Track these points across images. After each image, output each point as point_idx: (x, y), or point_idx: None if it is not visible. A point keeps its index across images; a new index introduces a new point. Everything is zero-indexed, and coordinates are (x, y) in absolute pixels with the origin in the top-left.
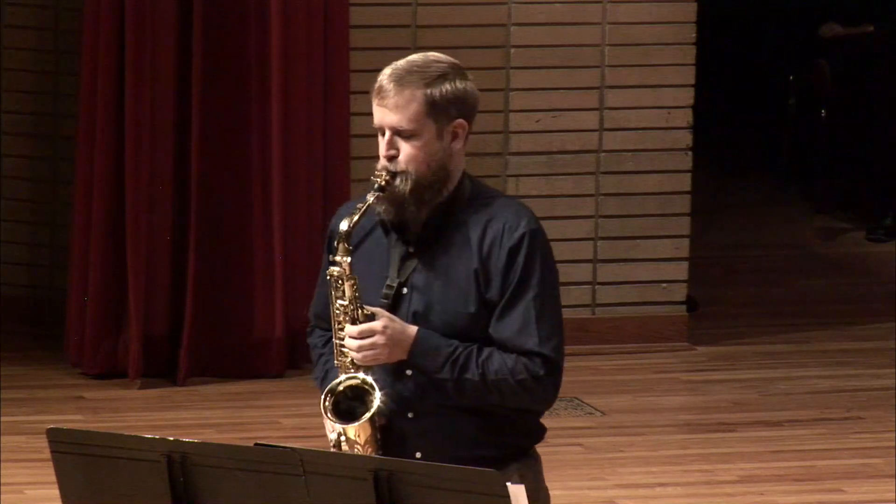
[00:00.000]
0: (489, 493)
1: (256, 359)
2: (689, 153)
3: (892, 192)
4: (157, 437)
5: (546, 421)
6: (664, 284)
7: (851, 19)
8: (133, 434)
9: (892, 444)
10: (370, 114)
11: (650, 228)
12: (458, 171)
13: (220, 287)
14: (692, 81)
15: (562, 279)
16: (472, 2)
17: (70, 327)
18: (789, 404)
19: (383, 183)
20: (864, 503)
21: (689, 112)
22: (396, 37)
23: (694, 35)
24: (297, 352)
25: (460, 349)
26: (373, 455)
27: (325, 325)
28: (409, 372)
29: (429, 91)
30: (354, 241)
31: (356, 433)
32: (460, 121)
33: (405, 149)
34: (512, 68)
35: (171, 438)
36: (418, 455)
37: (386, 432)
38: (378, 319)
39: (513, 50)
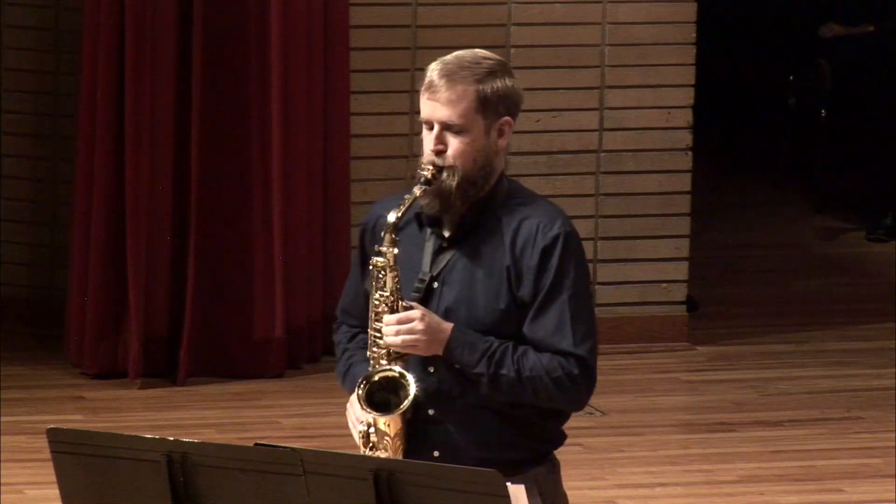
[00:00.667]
0: (489, 493)
1: (256, 359)
2: (689, 153)
3: (892, 192)
4: (157, 437)
5: None
6: (664, 284)
7: (851, 19)
8: (133, 434)
9: (892, 444)
10: (370, 114)
11: (650, 228)
12: (499, 168)
13: (220, 287)
14: (692, 81)
15: None
16: (472, 2)
17: (70, 327)
18: (789, 404)
19: (430, 176)
20: (864, 503)
21: (689, 112)
22: (396, 37)
23: (694, 35)
24: (297, 352)
25: (496, 345)
26: (400, 448)
27: (352, 320)
28: (431, 368)
29: (480, 87)
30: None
31: (387, 425)
32: (507, 118)
33: (453, 144)
34: (512, 68)
35: (171, 438)
36: (436, 454)
37: (407, 428)
38: (416, 309)
39: (513, 50)
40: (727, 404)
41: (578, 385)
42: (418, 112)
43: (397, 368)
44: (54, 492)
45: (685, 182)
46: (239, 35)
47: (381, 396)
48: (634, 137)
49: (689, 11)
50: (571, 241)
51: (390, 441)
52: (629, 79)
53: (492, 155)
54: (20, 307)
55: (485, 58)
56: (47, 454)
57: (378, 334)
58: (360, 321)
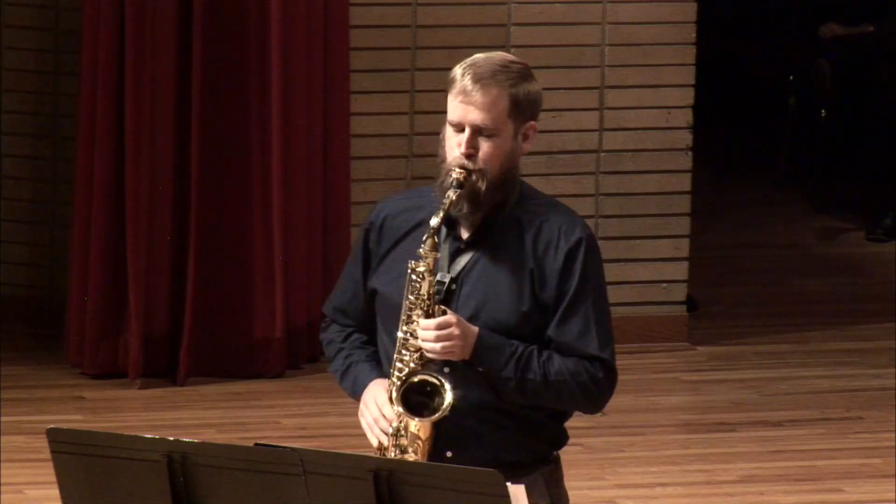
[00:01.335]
0: (489, 493)
1: (256, 359)
2: (689, 153)
3: (892, 192)
4: (157, 437)
5: None
6: (664, 284)
7: (851, 19)
8: (133, 434)
9: (892, 444)
10: (370, 114)
11: (650, 228)
12: (519, 170)
13: (220, 287)
14: (692, 81)
15: None
16: (472, 2)
17: (70, 327)
18: (789, 404)
19: (462, 179)
20: (864, 503)
21: (689, 112)
22: (396, 37)
23: (694, 35)
24: (297, 352)
25: (521, 348)
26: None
27: (345, 319)
28: (446, 369)
29: (514, 91)
30: (397, 237)
31: (418, 428)
32: (532, 122)
33: (484, 147)
34: None
35: (171, 438)
36: (449, 454)
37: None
38: (450, 314)
39: (513, 50)
40: (727, 404)
41: (602, 389)
42: (418, 112)
43: (437, 376)
44: (54, 492)
45: (685, 182)
46: (239, 35)
47: (417, 399)
48: (634, 137)
49: (689, 11)
50: (592, 244)
51: (421, 444)
52: (629, 79)
53: (516, 158)
54: (20, 307)
55: (512, 62)
56: (47, 454)
57: (409, 337)
58: (355, 320)
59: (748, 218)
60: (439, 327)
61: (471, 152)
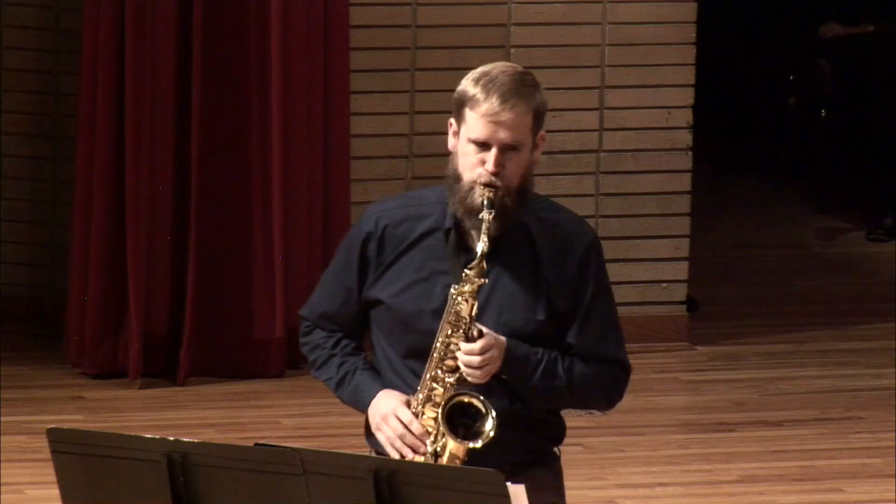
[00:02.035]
0: (489, 493)
1: (256, 359)
2: (689, 153)
3: (892, 192)
4: (157, 437)
5: None
6: (664, 284)
7: (851, 19)
8: (133, 434)
9: (892, 444)
10: (370, 114)
11: (650, 228)
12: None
13: (220, 287)
14: (692, 81)
15: None
16: (472, 2)
17: (70, 327)
18: (789, 404)
19: (494, 198)
20: (864, 503)
21: (689, 112)
22: (396, 37)
23: (694, 35)
24: (298, 352)
25: (546, 356)
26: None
27: (331, 325)
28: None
29: (534, 105)
30: (400, 248)
31: (458, 450)
32: (542, 132)
33: (510, 163)
34: None
35: (171, 438)
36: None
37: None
38: (486, 335)
39: (513, 50)
40: (727, 404)
41: (621, 389)
42: (418, 112)
43: (480, 397)
44: (54, 492)
45: (685, 182)
46: (239, 35)
47: (460, 421)
48: (634, 137)
49: (689, 11)
50: (599, 246)
51: (459, 463)
52: (629, 79)
53: (532, 170)
54: (20, 307)
55: (523, 73)
56: (47, 454)
57: (446, 358)
58: (343, 327)
59: (748, 218)
60: (483, 351)
61: (499, 170)
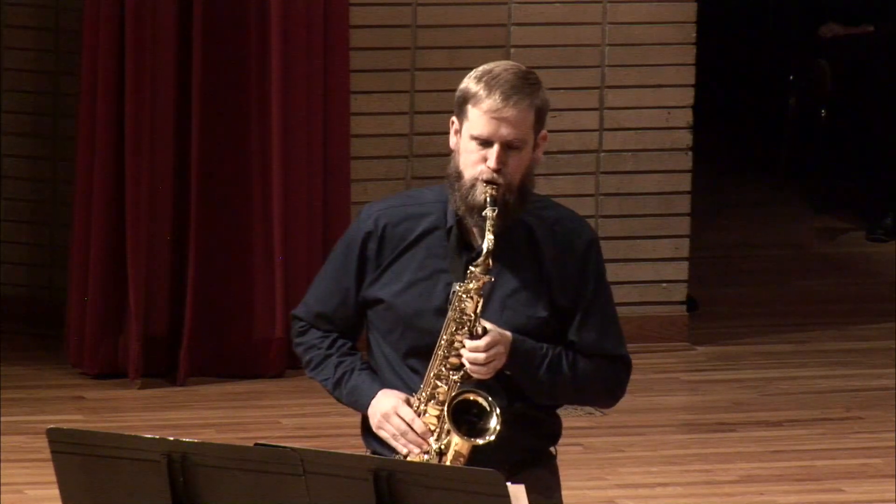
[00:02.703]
0: (489, 493)
1: (256, 359)
2: (689, 153)
3: (893, 192)
4: (157, 437)
5: None
6: (664, 284)
7: (851, 19)
8: (133, 434)
9: (892, 444)
10: (370, 114)
11: (650, 228)
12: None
13: (220, 287)
14: (692, 81)
15: None
16: (472, 2)
17: (70, 327)
18: (789, 404)
19: (497, 195)
20: (864, 503)
21: (689, 112)
22: (396, 37)
23: (694, 35)
24: None
25: (551, 351)
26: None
27: (326, 325)
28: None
29: (537, 103)
30: (400, 247)
31: (462, 447)
32: (544, 131)
33: (511, 161)
34: None
35: (171, 438)
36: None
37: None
38: (490, 331)
39: (513, 50)
40: (727, 404)
41: (623, 385)
42: (418, 112)
43: (489, 398)
44: (54, 492)
45: (685, 182)
46: (239, 35)
47: (464, 418)
48: (634, 137)
49: (689, 11)
50: (599, 244)
51: (462, 462)
52: (629, 79)
53: (533, 168)
54: (20, 307)
55: (527, 72)
56: (47, 454)
57: (450, 356)
58: (339, 327)
59: (748, 218)
60: (489, 348)
61: (501, 167)
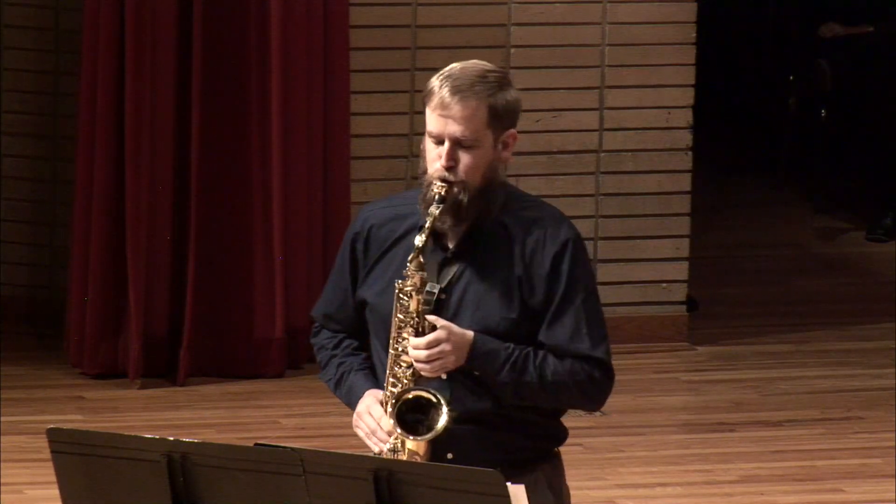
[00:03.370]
0: (489, 493)
1: (256, 359)
2: (689, 153)
3: (893, 192)
4: (157, 437)
5: None
6: (664, 284)
7: (851, 19)
8: (133, 434)
9: (892, 444)
10: (370, 114)
11: (650, 228)
12: (503, 178)
13: (220, 287)
14: (692, 81)
15: None
16: (472, 2)
17: (70, 327)
18: (789, 404)
19: (444, 193)
20: (864, 503)
21: (689, 112)
22: (396, 37)
23: (694, 35)
24: (297, 352)
25: (517, 351)
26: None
27: (335, 326)
28: (443, 375)
29: (492, 101)
30: (384, 248)
31: (416, 446)
32: (512, 131)
33: (465, 159)
34: (512, 68)
35: (171, 438)
36: (450, 456)
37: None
38: (439, 328)
39: (513, 50)
40: (727, 404)
41: (601, 387)
42: (418, 112)
43: (434, 391)
44: (54, 492)
45: (685, 182)
46: (239, 35)
47: (413, 417)
48: (634, 137)
49: (689, 11)
50: (579, 244)
51: (419, 458)
52: (629, 79)
53: (497, 167)
54: (20, 307)
55: (490, 70)
56: (47, 454)
57: (402, 354)
58: (345, 327)
59: (748, 218)
60: (429, 346)
61: (451, 165)
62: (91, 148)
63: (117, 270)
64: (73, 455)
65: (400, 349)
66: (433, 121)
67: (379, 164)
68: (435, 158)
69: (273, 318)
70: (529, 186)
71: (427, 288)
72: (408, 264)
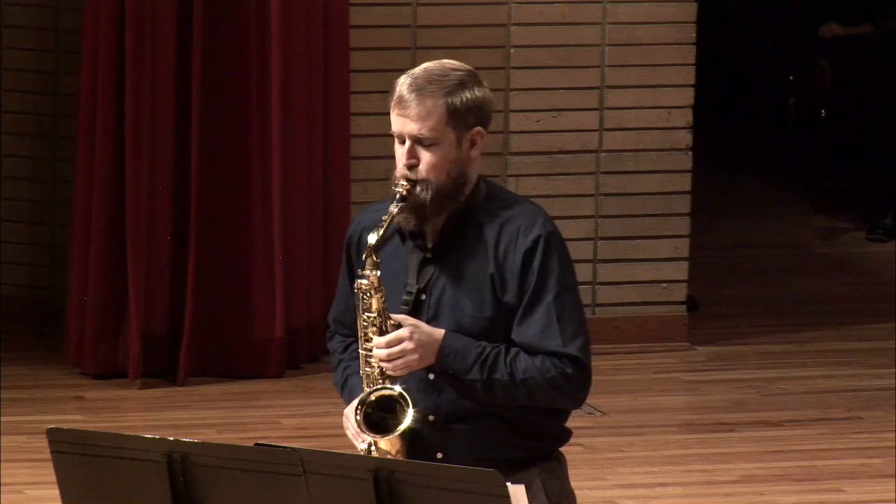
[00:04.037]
0: (489, 493)
1: (256, 359)
2: (689, 153)
3: (893, 192)
4: (157, 437)
5: None
6: (664, 284)
7: (851, 19)
8: (133, 434)
9: (892, 444)
10: (370, 114)
11: (650, 228)
12: (474, 177)
13: (220, 287)
14: (692, 81)
15: None
16: (472, 2)
17: (70, 327)
18: (789, 404)
19: (405, 192)
20: (864, 503)
21: (689, 112)
22: (396, 37)
23: (694, 35)
24: (297, 352)
25: (488, 349)
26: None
27: (344, 329)
28: (430, 376)
29: (449, 100)
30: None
31: (388, 445)
32: (478, 128)
33: (425, 157)
34: (512, 68)
35: (171, 438)
36: (439, 456)
37: (407, 436)
38: (404, 327)
39: (513, 50)
40: (727, 404)
41: (574, 383)
42: None
43: (396, 388)
44: (54, 492)
45: (685, 182)
46: (239, 35)
47: (379, 416)
48: (634, 137)
49: (689, 11)
50: (552, 240)
51: (392, 457)
52: (629, 79)
53: (465, 166)
54: (20, 307)
55: (453, 69)
56: (47, 454)
57: (370, 354)
58: (352, 331)
59: (748, 218)
60: (389, 344)
61: (412, 163)
62: (91, 148)
63: (117, 270)
64: (73, 455)
65: (368, 348)
66: (393, 119)
67: (379, 164)
68: (399, 158)
69: (273, 318)
70: (529, 186)
71: (407, 288)
72: (363, 261)
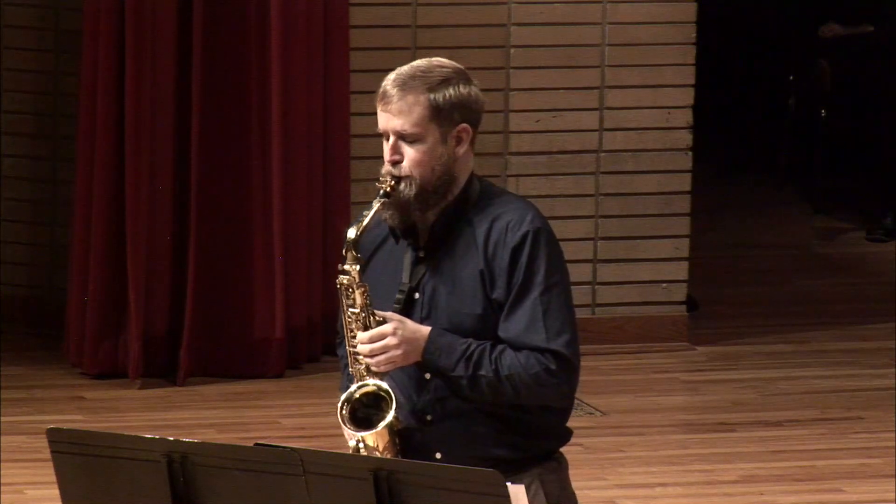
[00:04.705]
0: (489, 493)
1: (256, 359)
2: (689, 153)
3: (892, 192)
4: (157, 437)
5: None
6: (664, 284)
7: (851, 19)
8: (133, 434)
9: (892, 444)
10: (370, 114)
11: (650, 228)
12: (464, 174)
13: (220, 287)
14: (692, 81)
15: None
16: (472, 2)
17: (70, 327)
18: (789, 404)
19: (388, 189)
20: (864, 503)
21: (689, 112)
22: (396, 37)
23: (694, 35)
24: (297, 352)
25: (474, 346)
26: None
27: None
28: (427, 376)
29: (432, 96)
30: (370, 250)
31: (374, 441)
32: (464, 125)
33: (409, 154)
34: (512, 68)
35: (171, 438)
36: (438, 456)
37: (405, 436)
38: (388, 323)
39: (513, 50)
40: (727, 404)
41: (559, 379)
42: None
43: (377, 382)
44: (54, 492)
45: (685, 182)
46: (239, 35)
47: (364, 413)
48: (634, 137)
49: (689, 11)
50: (541, 236)
51: (380, 454)
52: (629, 79)
53: (451, 163)
54: (20, 307)
55: (439, 66)
56: (47, 454)
57: (356, 351)
58: None
59: (748, 218)
60: (371, 340)
61: (396, 159)
62: (91, 148)
63: (117, 270)
64: (73, 455)
65: (355, 345)
66: (378, 116)
67: (379, 165)
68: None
69: (273, 318)
70: (529, 186)
71: (399, 286)
72: (343, 256)
